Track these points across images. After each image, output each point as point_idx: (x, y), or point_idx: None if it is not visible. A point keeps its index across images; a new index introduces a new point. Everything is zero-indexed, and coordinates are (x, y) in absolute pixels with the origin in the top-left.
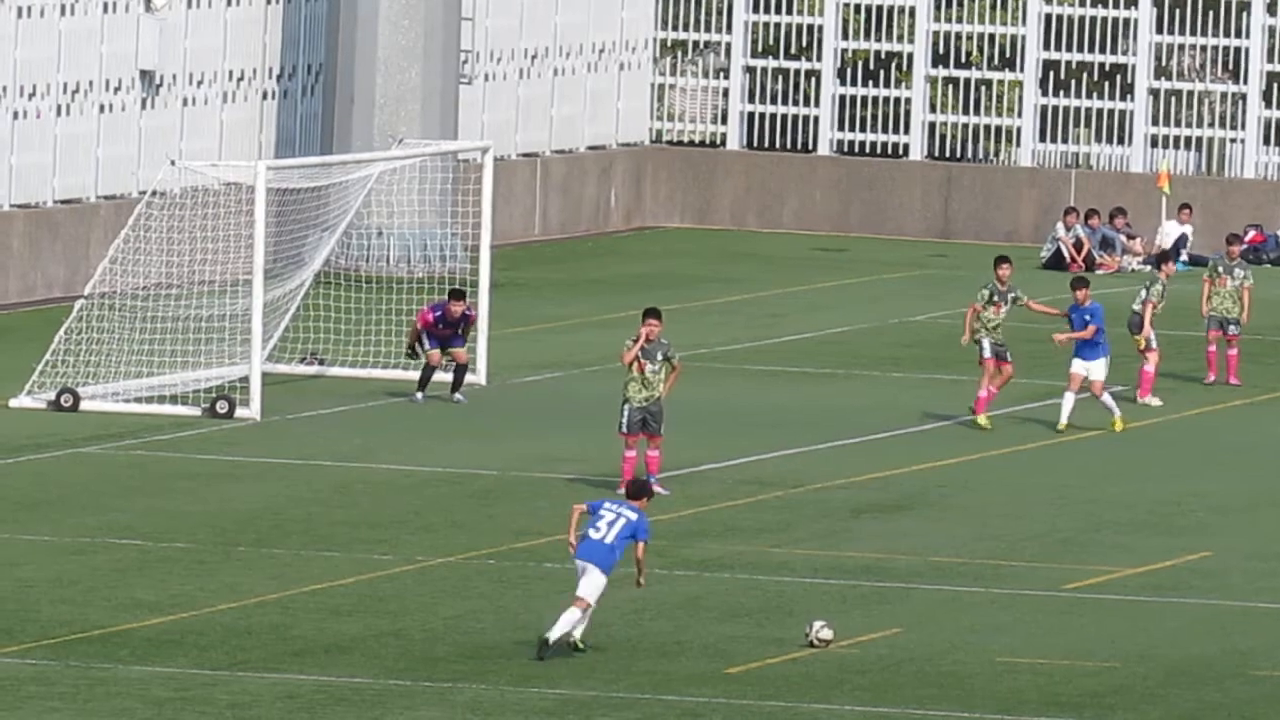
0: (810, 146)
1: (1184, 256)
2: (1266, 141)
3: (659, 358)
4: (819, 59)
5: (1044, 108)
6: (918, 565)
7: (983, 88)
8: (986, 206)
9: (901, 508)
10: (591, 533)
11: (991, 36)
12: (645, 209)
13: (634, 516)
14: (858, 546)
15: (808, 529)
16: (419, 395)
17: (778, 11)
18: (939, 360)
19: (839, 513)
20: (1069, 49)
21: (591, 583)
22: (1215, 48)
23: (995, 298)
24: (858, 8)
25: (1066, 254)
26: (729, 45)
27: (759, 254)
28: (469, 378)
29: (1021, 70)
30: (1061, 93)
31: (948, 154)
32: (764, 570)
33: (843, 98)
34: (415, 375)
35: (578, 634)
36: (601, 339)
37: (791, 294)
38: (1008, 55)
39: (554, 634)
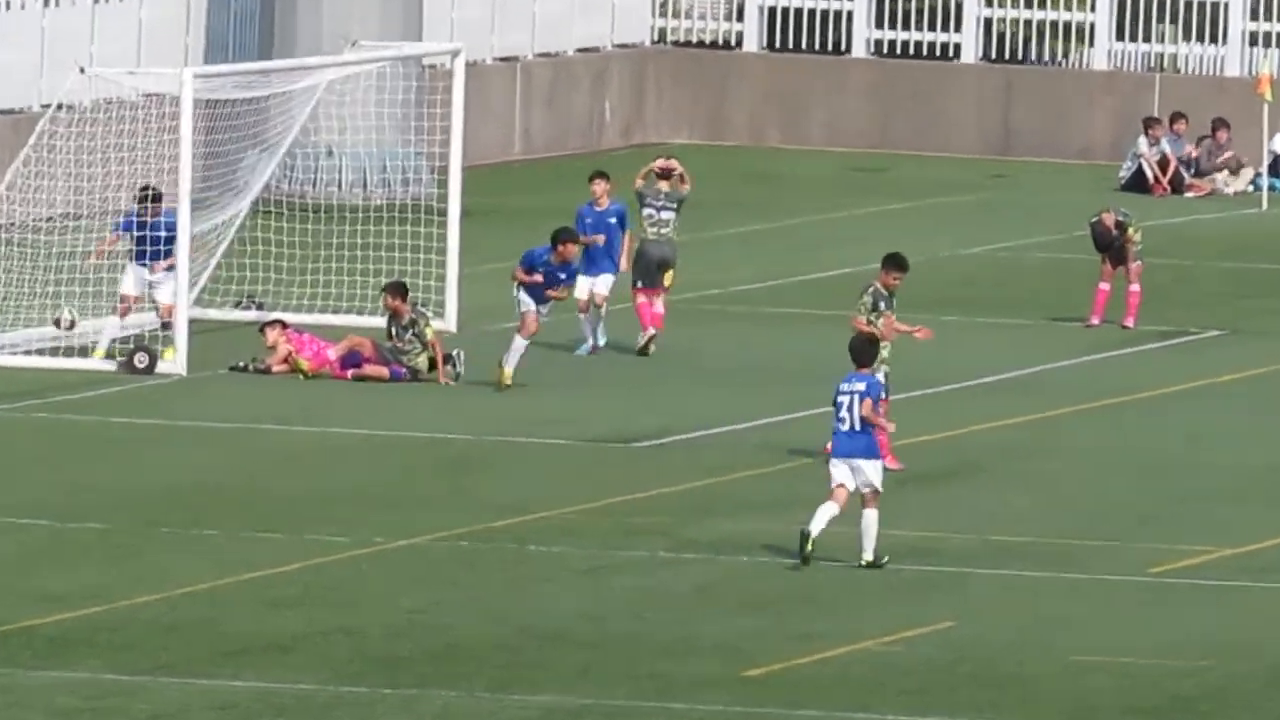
0: (843, 47)
1: None
2: None
3: (894, 304)
4: None
5: (1122, 0)
6: (974, 545)
7: None
8: (1054, 118)
9: (955, 476)
10: (841, 427)
11: None
12: (646, 123)
13: (863, 386)
14: (902, 523)
15: None
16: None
17: None
18: (1000, 301)
19: None
20: None
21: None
22: None
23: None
24: None
25: (1150, 173)
26: None
27: (782, 175)
28: (438, 323)
29: None
30: None
31: (1007, 55)
32: (789, 553)
33: None
34: (373, 321)
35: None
36: None
37: (821, 223)
38: None
39: (816, 528)
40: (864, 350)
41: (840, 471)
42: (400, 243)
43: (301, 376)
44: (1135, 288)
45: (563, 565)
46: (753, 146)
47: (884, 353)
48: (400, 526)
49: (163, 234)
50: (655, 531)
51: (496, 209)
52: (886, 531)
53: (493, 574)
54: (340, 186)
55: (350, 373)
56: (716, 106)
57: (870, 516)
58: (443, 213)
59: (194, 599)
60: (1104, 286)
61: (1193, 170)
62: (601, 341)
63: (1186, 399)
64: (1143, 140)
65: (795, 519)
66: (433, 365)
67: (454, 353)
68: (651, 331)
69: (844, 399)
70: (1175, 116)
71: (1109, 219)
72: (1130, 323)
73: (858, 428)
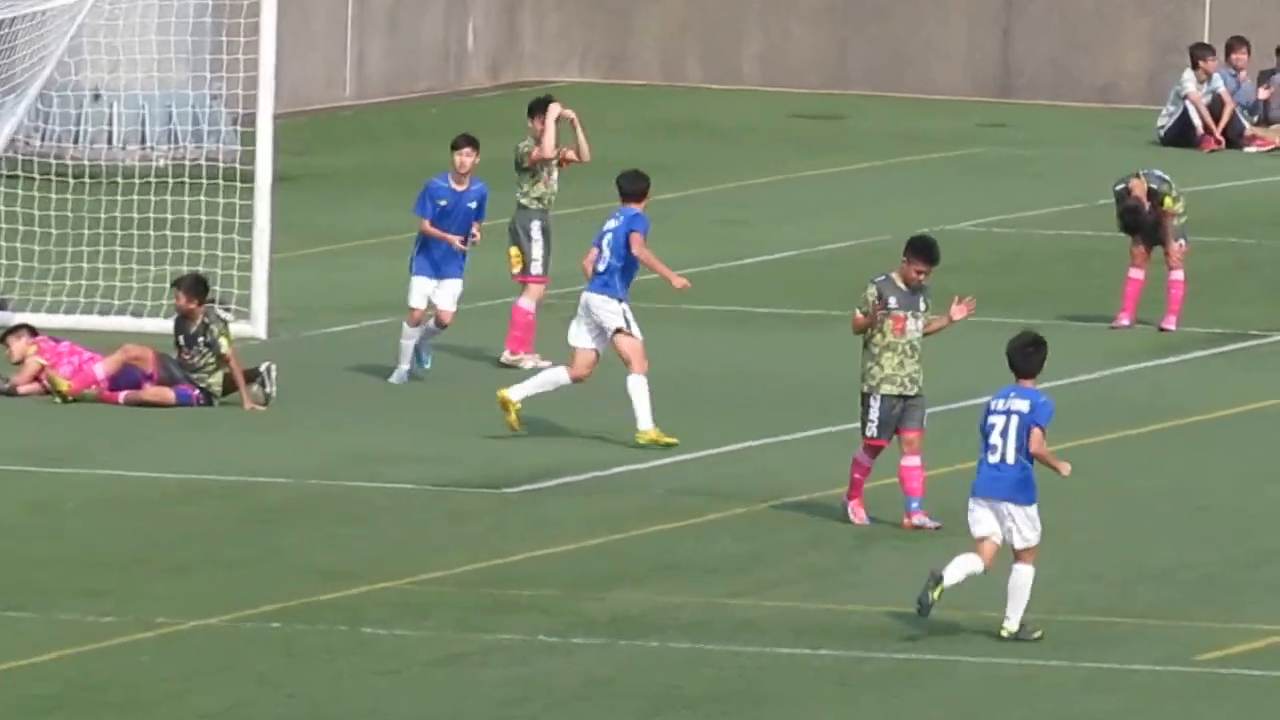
0: None
1: None
2: None
3: (922, 306)
4: None
5: None
6: (966, 624)
7: None
8: (1069, 47)
9: (938, 530)
10: (990, 457)
11: None
12: (523, 54)
13: (1025, 406)
14: (868, 594)
15: (787, 566)
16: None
17: None
18: (998, 294)
19: (838, 539)
20: None
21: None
22: None
23: None
24: None
25: (1198, 120)
26: None
27: (706, 125)
28: (243, 327)
29: None
30: None
31: None
32: (717, 635)
33: None
34: (155, 326)
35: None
36: None
37: (758, 189)
38: None
39: (950, 577)
40: (1024, 354)
41: (984, 517)
42: (191, 218)
43: (58, 400)
44: (1177, 276)
45: (410, 653)
46: (665, 86)
47: (881, 366)
48: (191, 602)
49: None
50: (534, 607)
51: (320, 173)
52: (844, 608)
53: (316, 665)
54: (110, 142)
55: (123, 395)
56: (618, 33)
57: (1023, 574)
58: (249, 177)
59: None
60: (1136, 275)
61: (1256, 116)
62: (427, 364)
63: (1246, 425)
64: (1189, 77)
65: (725, 588)
66: (230, 386)
67: (262, 368)
68: (510, 356)
69: (997, 419)
70: (1233, 44)
71: (1139, 186)
72: (1171, 323)
73: (1010, 460)
